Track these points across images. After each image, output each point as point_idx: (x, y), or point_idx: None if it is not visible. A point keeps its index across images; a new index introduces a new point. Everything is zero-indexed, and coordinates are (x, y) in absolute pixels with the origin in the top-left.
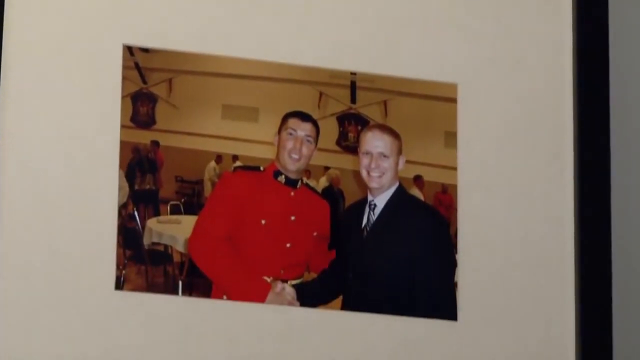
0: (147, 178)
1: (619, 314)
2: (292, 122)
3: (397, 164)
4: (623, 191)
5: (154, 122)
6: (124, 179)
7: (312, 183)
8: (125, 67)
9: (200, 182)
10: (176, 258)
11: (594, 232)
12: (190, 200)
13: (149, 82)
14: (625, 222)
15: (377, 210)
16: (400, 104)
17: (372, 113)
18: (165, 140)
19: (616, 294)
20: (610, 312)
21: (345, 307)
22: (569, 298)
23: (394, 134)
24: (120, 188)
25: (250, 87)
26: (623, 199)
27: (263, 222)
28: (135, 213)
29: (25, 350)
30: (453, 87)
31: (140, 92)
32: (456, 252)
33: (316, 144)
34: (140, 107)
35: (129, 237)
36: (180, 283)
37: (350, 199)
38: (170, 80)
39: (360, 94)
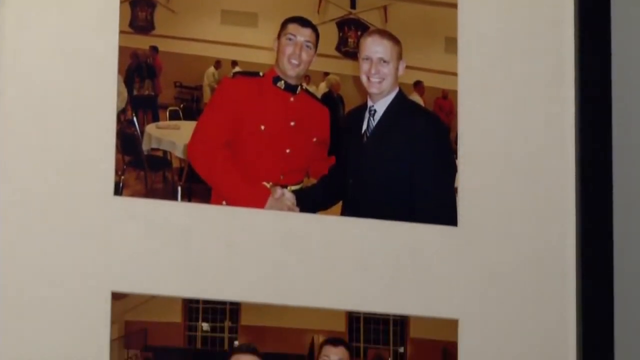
0: (146, 84)
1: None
2: (292, 28)
3: (397, 69)
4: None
5: (152, 27)
6: (123, 85)
7: (311, 89)
8: None
9: (199, 88)
10: (175, 164)
11: (593, 138)
12: (189, 106)
13: None
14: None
15: (377, 116)
16: (401, 9)
17: (372, 18)
18: (164, 46)
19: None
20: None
21: (345, 212)
22: (570, 200)
23: (394, 39)
24: (118, 94)
25: None
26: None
27: (262, 127)
28: (134, 119)
29: (22, 257)
30: None
31: None
32: (456, 158)
33: (315, 49)
34: (139, 12)
35: (127, 142)
36: (179, 189)
37: (350, 104)
38: None
39: (360, 0)
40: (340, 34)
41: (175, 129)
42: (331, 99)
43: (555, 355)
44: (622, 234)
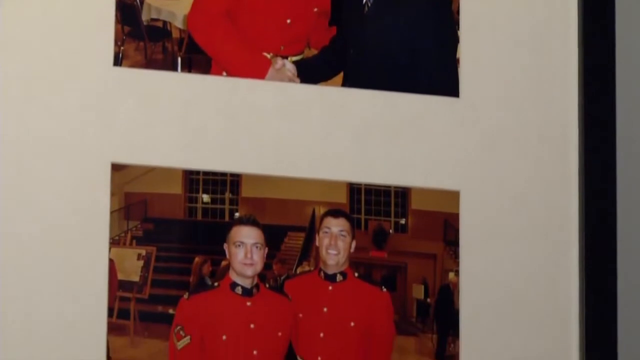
0: None
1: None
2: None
3: None
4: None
5: None
6: None
7: None
8: None
9: None
10: (175, 34)
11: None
12: None
13: None
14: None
15: None
16: None
17: None
18: None
19: None
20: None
21: (346, 83)
22: (573, 71)
23: None
24: None
25: None
26: None
27: None
28: None
29: (22, 129)
30: None
31: None
32: (458, 29)
33: None
34: None
35: (127, 13)
36: (179, 59)
37: None
38: None
39: None
40: None
41: None
42: None
43: (557, 222)
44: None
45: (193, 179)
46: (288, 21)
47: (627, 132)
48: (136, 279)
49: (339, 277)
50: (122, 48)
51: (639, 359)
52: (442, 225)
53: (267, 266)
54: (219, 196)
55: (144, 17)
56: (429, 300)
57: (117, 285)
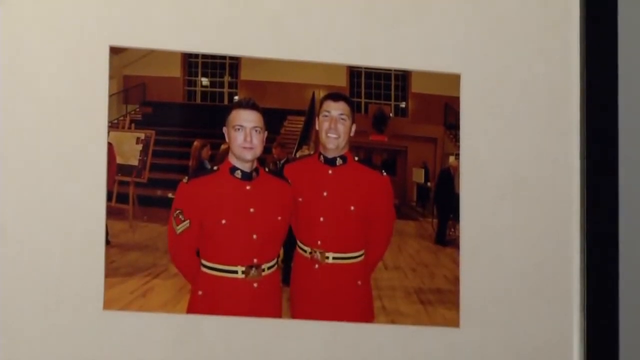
0: None
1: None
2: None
3: None
4: None
5: None
6: None
7: None
8: None
9: None
10: None
11: None
12: None
13: None
14: None
15: None
16: None
17: None
18: None
19: None
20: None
21: None
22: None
23: None
24: None
25: None
26: None
27: None
28: None
29: (18, 12)
30: None
31: None
32: None
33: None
34: None
35: None
36: None
37: None
38: None
39: None
40: None
41: None
42: None
43: (558, 106)
44: None
45: (192, 62)
46: None
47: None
48: (135, 162)
49: (338, 161)
50: None
51: None
52: (443, 109)
53: (266, 150)
54: (218, 79)
55: None
56: (429, 184)
57: (115, 169)
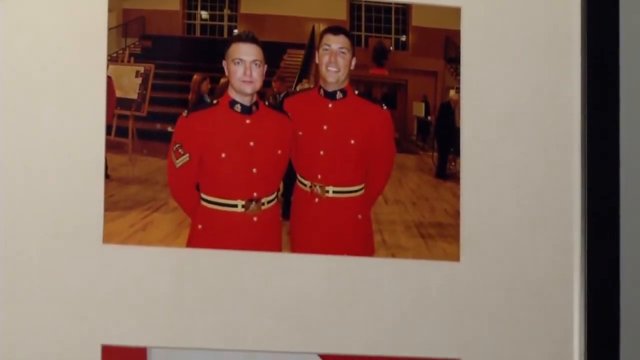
0: None
1: None
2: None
3: None
4: None
5: None
6: None
7: None
8: None
9: None
10: None
11: None
12: None
13: None
14: None
15: None
16: None
17: None
18: None
19: None
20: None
21: None
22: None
23: None
24: None
25: None
26: None
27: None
28: None
29: None
30: None
31: None
32: None
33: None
34: None
35: None
36: None
37: None
38: None
39: None
40: None
41: None
42: None
43: (558, 44)
44: None
45: None
46: None
47: None
48: (134, 96)
49: (338, 95)
50: None
51: None
52: (443, 42)
53: (266, 84)
54: (217, 12)
55: None
56: (429, 118)
57: (115, 103)
